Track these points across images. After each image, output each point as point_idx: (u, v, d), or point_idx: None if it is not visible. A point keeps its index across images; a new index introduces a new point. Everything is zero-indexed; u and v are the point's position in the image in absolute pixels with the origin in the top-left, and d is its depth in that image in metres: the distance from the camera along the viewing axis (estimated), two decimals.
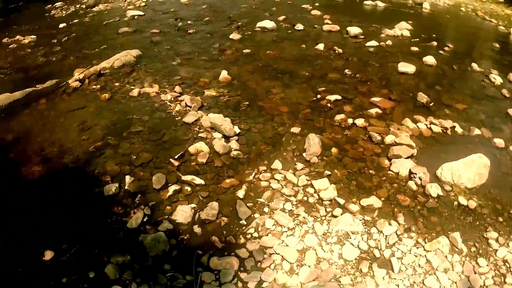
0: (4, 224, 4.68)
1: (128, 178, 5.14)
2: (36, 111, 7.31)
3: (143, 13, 15.02)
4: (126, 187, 5.05)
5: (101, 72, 8.76)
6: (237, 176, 5.14)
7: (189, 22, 13.34)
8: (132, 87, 7.99)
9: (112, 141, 6.17)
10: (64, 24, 14.56)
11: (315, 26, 12.26)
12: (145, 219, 4.49)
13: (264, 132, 6.11)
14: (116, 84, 8.18)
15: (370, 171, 5.24)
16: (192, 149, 5.61)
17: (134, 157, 5.81)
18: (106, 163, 5.69)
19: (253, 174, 5.20)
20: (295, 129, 6.05)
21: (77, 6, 18.52)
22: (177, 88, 7.84)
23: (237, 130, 5.99)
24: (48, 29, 14.25)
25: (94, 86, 8.04)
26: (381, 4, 16.29)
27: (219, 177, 5.13)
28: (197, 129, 6.20)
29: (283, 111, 7.00)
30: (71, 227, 4.64)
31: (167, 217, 4.51)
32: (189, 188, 4.93)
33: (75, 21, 15.32)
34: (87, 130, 6.48)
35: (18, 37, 13.00)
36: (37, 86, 8.08)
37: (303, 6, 15.31)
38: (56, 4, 19.19)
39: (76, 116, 6.99)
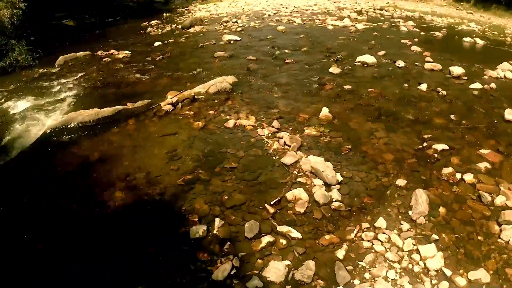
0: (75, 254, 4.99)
1: (217, 221, 5.29)
2: (125, 131, 7.95)
3: (239, 38, 16.04)
4: (214, 231, 5.19)
5: (195, 97, 9.27)
6: (337, 232, 5.17)
7: (286, 51, 14.01)
8: (227, 117, 8.29)
9: (203, 175, 6.33)
10: (159, 43, 15.88)
11: (416, 63, 12.45)
12: (233, 272, 4.53)
13: (368, 182, 6.18)
14: (211, 112, 8.54)
15: (479, 238, 5.11)
16: (289, 195, 5.75)
17: (226, 197, 5.90)
18: (195, 200, 5.86)
19: (355, 231, 5.21)
20: (401, 182, 6.12)
21: (173, 26, 20.31)
22: (275, 123, 7.98)
23: (339, 178, 6.13)
24: (143, 46, 15.63)
25: (187, 112, 8.48)
26: (480, 42, 16.36)
27: (317, 232, 5.17)
28: (296, 172, 6.32)
29: (387, 159, 6.89)
30: (149, 269, 4.79)
31: (257, 272, 4.53)
32: (284, 241, 4.97)
33: (170, 40, 16.66)
34: (177, 160, 6.78)
35: (112, 51, 14.42)
36: (127, 104, 8.77)
37: (402, 41, 15.73)
38: (152, 22, 21.37)
39: (166, 142, 7.41)
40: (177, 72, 11.88)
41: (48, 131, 8.12)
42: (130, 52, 14.50)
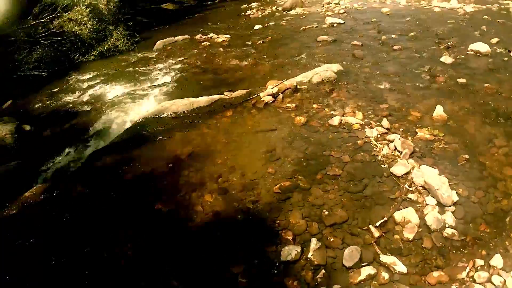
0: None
1: (314, 242, 4.76)
2: (220, 124, 7.59)
3: (342, 21, 15.17)
4: (309, 255, 4.64)
5: (298, 87, 8.49)
6: (447, 268, 4.50)
7: (393, 36, 12.80)
8: (332, 112, 7.49)
9: (302, 183, 5.64)
10: (260, 26, 15.38)
11: None
12: None
13: (485, 203, 5.31)
14: (314, 105, 7.79)
15: None
16: (398, 216, 5.11)
17: (326, 212, 5.21)
18: (291, 213, 5.24)
19: (467, 269, 4.51)
20: None
21: (273, 8, 19.71)
22: (385, 122, 7.03)
23: (455, 198, 5.32)
24: (243, 29, 15.25)
25: (288, 105, 7.82)
26: None
27: (425, 265, 4.53)
28: (407, 187, 5.60)
29: (507, 175, 5.70)
30: None
31: None
32: (386, 275, 4.41)
33: (271, 23, 16.09)
34: (275, 161, 6.21)
35: (212, 35, 14.19)
36: (225, 93, 8.37)
37: None
38: (252, 4, 20.89)
39: (264, 139, 6.91)
40: (278, 57, 11.29)
41: (140, 121, 8.00)
42: (229, 36, 14.19)
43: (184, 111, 7.95)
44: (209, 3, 23.45)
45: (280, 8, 19.49)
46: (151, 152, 6.98)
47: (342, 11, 17.49)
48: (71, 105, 10.31)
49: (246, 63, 11.15)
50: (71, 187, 6.53)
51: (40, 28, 13.73)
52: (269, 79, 9.24)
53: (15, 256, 5.23)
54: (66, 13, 13.84)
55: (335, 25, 15.03)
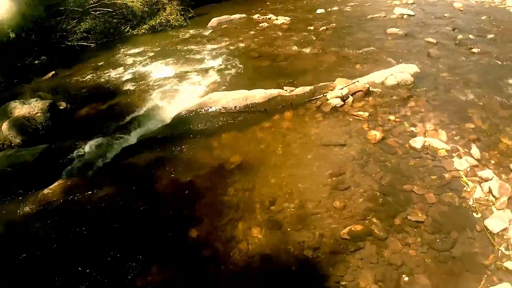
0: None
1: None
2: (278, 128, 6.22)
3: (413, 13, 13.21)
4: None
5: (370, 89, 6.85)
6: None
7: (470, 36, 10.80)
8: (412, 128, 5.99)
9: (377, 228, 4.29)
10: (322, 10, 13.76)
11: None
12: None
13: None
14: (390, 116, 6.30)
15: None
16: None
17: (406, 278, 3.80)
18: (361, 273, 3.95)
19: None
20: None
21: None
22: (474, 151, 5.60)
23: None
24: (304, 12, 13.68)
25: (360, 112, 6.35)
26: None
27: None
28: (503, 250, 4.23)
29: None
30: None
31: None
32: None
33: (334, 8, 14.42)
34: (344, 191, 4.85)
35: (270, 15, 12.80)
36: (284, 88, 7.04)
37: None
38: None
39: (330, 157, 5.49)
40: (343, 48, 9.70)
41: (183, 114, 6.79)
42: (289, 18, 12.62)
43: (235, 107, 6.61)
44: None
45: None
46: (192, 156, 5.71)
47: (410, 1, 15.52)
48: (113, 82, 9.21)
49: (308, 51, 9.63)
50: (95, 188, 5.41)
51: None
52: (335, 74, 7.80)
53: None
54: None
55: (404, 16, 13.18)
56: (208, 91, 7.57)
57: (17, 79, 10.04)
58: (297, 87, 7.14)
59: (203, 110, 6.68)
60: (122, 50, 11.28)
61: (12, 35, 10.22)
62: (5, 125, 7.20)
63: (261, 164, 5.34)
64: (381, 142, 5.70)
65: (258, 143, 5.79)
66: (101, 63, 10.59)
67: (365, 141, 5.71)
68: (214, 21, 12.45)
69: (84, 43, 12.06)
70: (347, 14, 13.66)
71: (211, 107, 6.68)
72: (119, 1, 12.47)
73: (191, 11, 13.13)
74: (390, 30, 11.13)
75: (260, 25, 12.18)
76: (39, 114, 7.50)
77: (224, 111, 6.57)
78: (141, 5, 12.46)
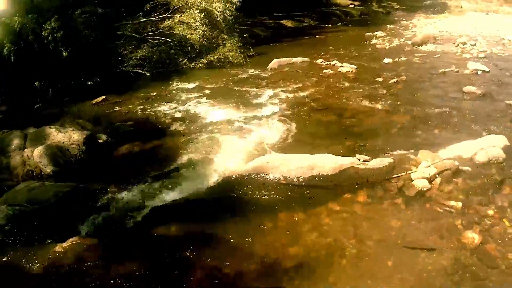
0: None
1: None
2: (349, 216, 4.74)
3: (487, 69, 11.53)
4: None
5: (459, 168, 5.28)
6: None
7: None
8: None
9: None
10: (390, 60, 12.34)
11: None
12: None
13: None
14: (489, 211, 4.70)
15: None
16: None
17: None
18: None
19: None
20: None
21: (401, 40, 16.66)
22: None
23: None
24: (370, 61, 12.32)
25: (451, 202, 4.86)
26: None
27: None
28: None
29: None
30: None
31: None
32: None
33: (402, 59, 12.98)
34: None
35: (335, 62, 11.64)
36: (357, 157, 5.79)
37: None
38: (376, 33, 18.01)
39: (416, 266, 3.99)
40: (417, 106, 8.25)
41: (235, 176, 5.48)
42: (355, 67, 11.27)
43: (298, 178, 5.22)
44: (329, 25, 20.55)
45: (409, 42, 16.09)
46: (238, 239, 4.31)
47: (481, 55, 13.78)
48: (161, 119, 8.13)
49: (379, 107, 8.21)
50: (112, 259, 4.19)
51: (149, 26, 12.04)
52: (411, 140, 6.46)
53: None
54: (178, 15, 11.91)
55: (479, 72, 11.55)
56: (265, 148, 6.21)
57: (68, 98, 9.20)
58: (372, 157, 5.66)
59: (259, 176, 5.31)
60: (176, 83, 10.31)
61: (65, 53, 9.37)
62: (37, 151, 6.18)
63: (326, 268, 3.87)
64: (479, 248, 4.11)
65: (323, 234, 4.32)
66: (153, 94, 9.63)
67: (460, 246, 4.14)
68: (275, 63, 11.28)
69: (139, 71, 11.22)
70: (416, 66, 12.19)
71: (268, 174, 5.30)
72: (178, 32, 11.59)
73: (251, 49, 12.03)
74: (467, 89, 9.57)
75: (324, 71, 10.89)
76: (74, 146, 6.42)
77: (284, 182, 5.16)
78: (200, 38, 11.50)
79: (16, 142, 6.39)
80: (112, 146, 7.01)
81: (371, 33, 17.98)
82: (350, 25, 20.98)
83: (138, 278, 3.85)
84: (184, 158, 6.23)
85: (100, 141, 6.98)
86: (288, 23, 19.83)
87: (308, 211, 4.72)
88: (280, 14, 20.34)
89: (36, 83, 9.43)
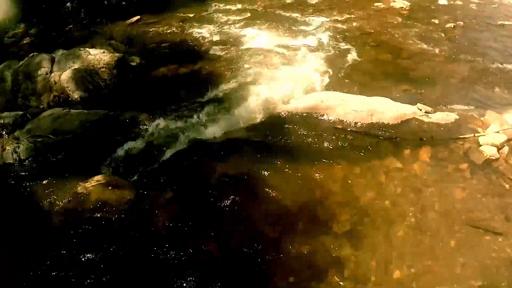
0: None
1: None
2: (410, 177, 3.98)
3: None
4: None
5: None
6: None
7: None
8: None
9: None
10: (445, 2, 10.92)
11: None
12: None
13: None
14: None
15: None
16: None
17: None
18: None
19: None
20: None
21: None
22: None
23: None
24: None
25: None
26: None
27: None
28: None
29: None
30: None
31: None
32: None
33: (458, 2, 11.32)
34: None
35: None
36: (418, 107, 4.87)
37: None
38: None
39: (480, 250, 3.35)
40: (476, 58, 6.97)
41: (282, 113, 4.78)
42: (408, 4, 9.88)
43: (356, 123, 4.48)
44: None
45: None
46: (281, 191, 3.74)
47: None
48: (199, 41, 7.29)
49: (436, 52, 7.11)
50: (136, 201, 3.79)
51: None
52: (472, 94, 5.54)
53: None
54: None
55: None
56: (317, 83, 5.44)
57: (101, 18, 8.35)
58: (434, 109, 4.86)
59: (312, 115, 4.59)
60: (216, 3, 9.19)
61: None
62: (64, 76, 5.59)
63: (383, 239, 3.28)
64: None
65: (380, 195, 3.68)
66: (191, 15, 8.68)
67: None
68: None
69: None
70: (473, 13, 10.56)
71: (322, 115, 4.57)
72: None
73: None
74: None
75: (375, 4, 9.62)
76: (104, 69, 5.79)
77: (340, 126, 4.42)
78: None
79: (43, 66, 5.77)
80: (145, 70, 6.38)
81: None
82: None
83: (169, 228, 3.40)
84: (224, 88, 5.52)
85: (133, 64, 6.34)
86: None
87: (365, 165, 4.06)
88: None
89: (68, 4, 8.61)
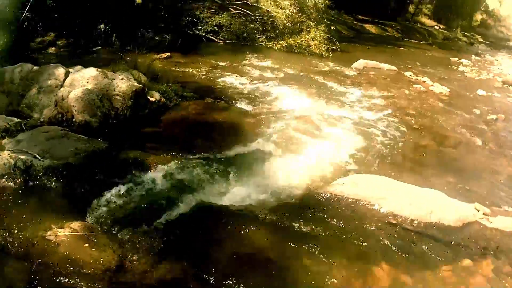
0: None
1: None
2: None
3: None
4: None
5: None
6: None
7: None
8: None
9: None
10: (484, 93, 10.36)
11: None
12: None
13: None
14: None
15: None
16: None
17: None
18: None
19: None
20: None
21: (489, 75, 14.15)
22: None
23: None
24: (462, 88, 10.42)
25: None
26: None
27: None
28: None
29: None
30: None
31: None
32: None
33: (495, 94, 10.94)
34: None
35: (425, 78, 9.80)
36: (476, 207, 3.90)
37: None
38: (462, 60, 15.66)
39: None
40: None
41: (321, 195, 3.71)
42: (448, 90, 9.21)
43: (411, 220, 3.35)
44: (413, 41, 18.34)
45: (498, 78, 13.69)
46: None
47: None
48: (228, 91, 6.50)
49: (480, 143, 6.25)
50: (116, 265, 2.66)
51: None
52: None
53: None
54: None
55: None
56: (359, 162, 4.43)
57: (131, 47, 7.63)
58: (494, 212, 3.77)
59: (360, 203, 3.50)
60: (250, 58, 8.66)
61: (138, 0, 7.85)
62: (73, 94, 4.66)
63: None
64: None
65: None
66: (222, 63, 8.03)
67: None
68: (360, 63, 9.37)
69: (211, 37, 9.61)
70: None
71: (373, 204, 3.46)
72: (263, 7, 9.81)
73: (337, 43, 10.11)
74: None
75: (414, 86, 8.92)
76: (118, 97, 4.85)
77: (393, 221, 3.32)
78: (285, 18, 9.70)
79: (55, 77, 4.90)
80: (164, 109, 5.48)
81: (457, 59, 15.77)
82: (433, 46, 18.72)
83: None
84: (248, 147, 4.52)
85: (151, 99, 5.43)
86: (371, 28, 17.81)
87: (416, 274, 2.93)
88: (364, 18, 18.30)
89: (101, 26, 8.03)
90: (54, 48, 7.57)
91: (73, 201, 3.19)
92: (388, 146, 5.16)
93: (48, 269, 2.49)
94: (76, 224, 2.82)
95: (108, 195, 3.30)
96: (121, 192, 3.34)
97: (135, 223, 3.01)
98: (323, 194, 3.60)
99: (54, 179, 3.33)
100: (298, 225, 3.16)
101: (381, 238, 3.14)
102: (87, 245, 2.68)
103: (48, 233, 2.70)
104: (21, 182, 3.18)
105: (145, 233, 2.94)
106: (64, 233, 2.70)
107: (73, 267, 2.53)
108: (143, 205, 3.26)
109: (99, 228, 2.93)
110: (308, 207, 3.42)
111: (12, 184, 3.15)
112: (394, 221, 3.29)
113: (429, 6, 25.31)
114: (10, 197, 3.07)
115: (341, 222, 3.26)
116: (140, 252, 2.75)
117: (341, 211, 3.42)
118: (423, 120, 6.64)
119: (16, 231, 2.73)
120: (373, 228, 3.24)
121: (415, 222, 3.31)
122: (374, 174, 4.13)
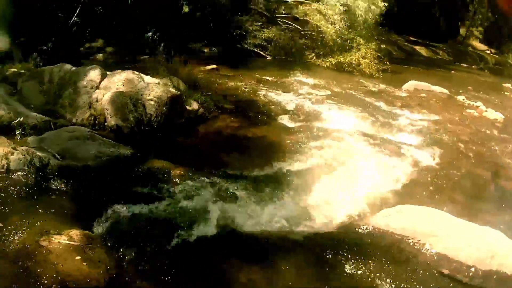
0: None
1: None
2: None
3: None
4: None
5: None
6: None
7: None
8: None
9: None
10: None
11: None
12: None
13: None
14: None
15: None
16: None
17: None
18: None
19: None
20: None
21: None
22: None
23: None
24: None
25: None
26: None
27: None
28: None
29: None
30: None
31: None
32: None
33: None
34: None
35: (479, 104, 8.76)
36: None
37: None
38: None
39: None
40: None
41: (369, 230, 3.11)
42: (502, 117, 8.28)
43: (469, 267, 2.65)
44: (464, 65, 17.19)
45: None
46: None
47: None
48: (271, 107, 6.03)
49: None
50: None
51: (282, 8, 9.79)
52: None
53: None
54: (316, 3, 9.54)
55: None
56: (407, 192, 3.79)
57: (178, 53, 7.37)
58: None
59: (407, 241, 2.88)
60: (297, 74, 8.14)
61: (185, 8, 7.61)
62: (107, 96, 4.40)
63: None
64: None
65: None
66: (269, 78, 7.63)
67: None
68: (411, 85, 8.63)
69: (260, 51, 9.25)
70: None
71: (423, 244, 2.82)
72: (312, 21, 9.29)
73: (387, 63, 9.40)
74: None
75: (467, 111, 8.07)
76: (152, 103, 4.51)
77: (446, 270, 2.65)
78: (334, 33, 9.13)
79: (91, 78, 4.65)
80: (201, 119, 5.11)
81: (510, 85, 14.56)
82: (485, 71, 17.51)
83: None
84: (284, 167, 4.01)
85: (189, 108, 5.07)
86: (422, 50, 16.92)
87: None
88: (414, 39, 17.42)
89: (149, 34, 7.88)
90: (101, 54, 7.51)
91: (82, 207, 2.84)
92: (439, 175, 4.45)
93: (28, 277, 2.10)
94: (75, 233, 2.44)
95: (121, 205, 2.90)
96: (136, 204, 2.93)
97: (143, 241, 2.59)
98: (366, 226, 3.01)
99: (67, 180, 3.02)
100: (333, 261, 2.60)
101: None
102: (79, 257, 2.28)
103: (43, 238, 2.34)
104: (32, 180, 2.91)
105: (152, 254, 2.50)
106: (59, 240, 2.32)
107: (56, 280, 2.12)
108: (157, 222, 2.81)
109: (101, 241, 2.52)
110: (348, 240, 2.85)
111: (23, 180, 2.89)
112: (446, 269, 2.61)
113: (480, 29, 23.91)
114: (18, 193, 2.78)
115: (384, 264, 2.65)
116: (139, 275, 2.31)
117: (386, 249, 2.81)
118: (477, 148, 5.85)
119: (13, 231, 2.40)
120: (419, 275, 2.60)
121: (472, 268, 2.61)
122: (423, 205, 3.50)
